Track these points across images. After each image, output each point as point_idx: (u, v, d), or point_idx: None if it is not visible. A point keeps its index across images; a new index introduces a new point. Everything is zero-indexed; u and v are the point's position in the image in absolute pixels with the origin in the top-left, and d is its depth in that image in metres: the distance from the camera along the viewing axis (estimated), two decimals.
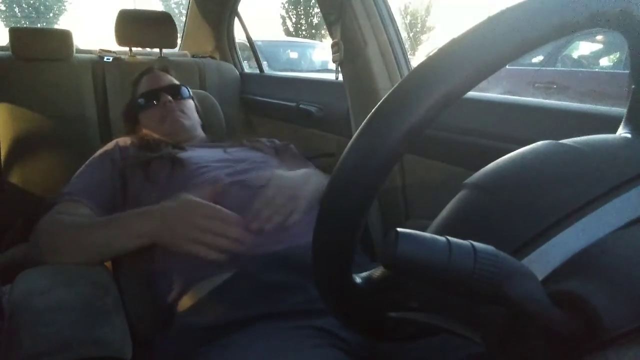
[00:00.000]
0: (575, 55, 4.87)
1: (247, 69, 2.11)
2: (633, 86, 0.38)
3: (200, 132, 1.23)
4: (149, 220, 0.81)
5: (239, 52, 2.08)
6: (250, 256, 0.77)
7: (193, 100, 1.27)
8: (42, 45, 1.47)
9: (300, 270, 0.74)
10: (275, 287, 0.73)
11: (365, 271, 0.38)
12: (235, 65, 2.00)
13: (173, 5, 25.89)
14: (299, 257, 0.76)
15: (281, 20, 19.77)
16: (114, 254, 0.84)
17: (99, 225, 0.85)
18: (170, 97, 1.17)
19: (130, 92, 1.27)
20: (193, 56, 1.92)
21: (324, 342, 0.67)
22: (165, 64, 1.35)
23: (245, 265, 0.76)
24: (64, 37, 1.51)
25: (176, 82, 1.24)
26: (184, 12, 2.23)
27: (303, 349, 0.64)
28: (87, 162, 1.04)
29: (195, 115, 1.25)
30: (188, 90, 1.25)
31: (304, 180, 0.89)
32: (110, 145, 1.09)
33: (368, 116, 0.32)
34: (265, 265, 0.76)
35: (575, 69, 4.60)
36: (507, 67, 0.33)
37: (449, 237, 0.27)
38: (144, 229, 0.81)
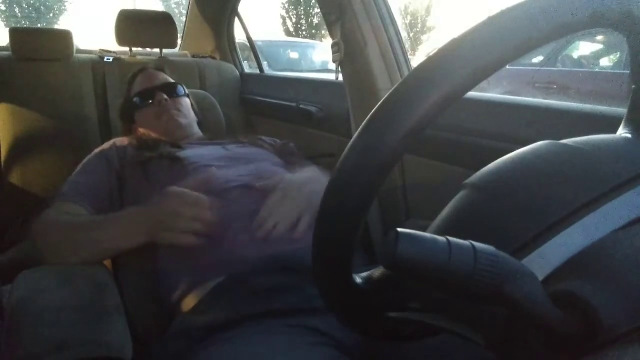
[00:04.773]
0: (575, 55, 4.86)
1: (247, 69, 2.11)
2: (633, 86, 0.38)
3: (197, 130, 1.22)
4: (142, 218, 0.81)
5: (239, 52, 2.08)
6: (249, 258, 0.77)
7: (189, 98, 1.26)
8: (42, 45, 1.47)
9: (297, 271, 0.74)
10: (272, 288, 0.73)
11: (365, 271, 0.38)
12: (236, 65, 1.99)
13: (173, 5, 25.85)
14: (296, 258, 0.76)
15: (281, 20, 19.78)
16: (110, 253, 0.84)
17: (93, 224, 0.84)
18: (165, 95, 1.16)
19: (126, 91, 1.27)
20: (193, 56, 1.92)
21: (319, 341, 0.67)
22: (159, 63, 1.34)
23: (244, 267, 0.76)
24: (64, 37, 1.51)
25: (171, 80, 1.23)
26: (184, 12, 2.22)
27: (298, 347, 0.65)
28: (82, 163, 1.03)
29: (192, 113, 1.24)
30: (183, 88, 1.24)
31: (311, 184, 0.87)
32: (106, 145, 1.08)
33: (368, 116, 0.32)
34: (263, 267, 0.76)
35: (575, 69, 4.59)
36: (507, 67, 0.33)
37: (449, 237, 0.27)
38: (138, 227, 0.81)
